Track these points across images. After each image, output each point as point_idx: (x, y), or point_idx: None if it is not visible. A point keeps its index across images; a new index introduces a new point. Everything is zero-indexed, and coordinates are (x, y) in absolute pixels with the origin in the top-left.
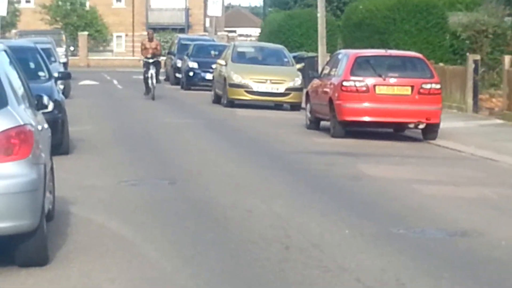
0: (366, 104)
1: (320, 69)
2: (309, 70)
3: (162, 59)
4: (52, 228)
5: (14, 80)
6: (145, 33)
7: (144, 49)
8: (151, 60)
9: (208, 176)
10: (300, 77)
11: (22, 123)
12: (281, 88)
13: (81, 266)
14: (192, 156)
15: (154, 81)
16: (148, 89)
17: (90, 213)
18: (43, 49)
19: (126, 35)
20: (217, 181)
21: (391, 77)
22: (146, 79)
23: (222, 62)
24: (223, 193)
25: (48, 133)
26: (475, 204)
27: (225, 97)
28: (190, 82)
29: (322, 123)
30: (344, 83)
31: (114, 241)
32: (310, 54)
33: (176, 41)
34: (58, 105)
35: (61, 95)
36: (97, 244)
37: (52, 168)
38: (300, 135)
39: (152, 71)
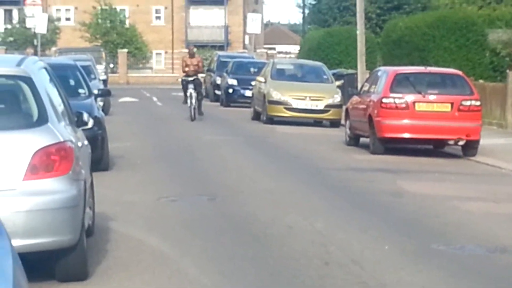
0: (405, 121)
1: (359, 86)
2: (349, 87)
3: (201, 76)
4: (92, 243)
5: (54, 97)
6: (185, 50)
7: (185, 66)
8: (190, 78)
9: (247, 192)
10: (339, 94)
11: (62, 139)
12: (320, 105)
13: (121, 282)
14: (231, 173)
15: (194, 101)
16: (189, 105)
17: (130, 229)
18: (82, 67)
19: (166, 52)
20: (256, 197)
21: (431, 94)
22: (186, 99)
23: (261, 79)
24: (262, 209)
25: (88, 150)
26: None
27: (265, 113)
28: (230, 99)
29: (362, 139)
30: (384, 100)
31: (153, 257)
32: (350, 71)
33: (215, 58)
34: (98, 122)
35: (100, 112)
36: (136, 260)
37: (92, 184)
38: (340, 151)
39: (191, 90)
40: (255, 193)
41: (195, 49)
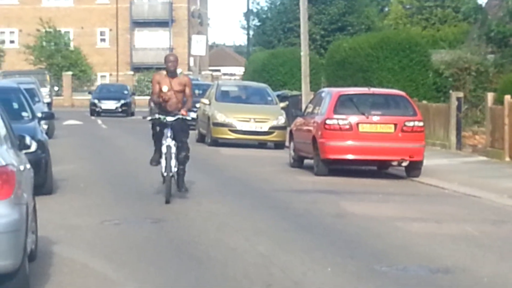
0: (349, 142)
1: (303, 108)
2: (293, 108)
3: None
4: (34, 268)
5: None
6: (130, 72)
7: (159, 91)
8: (169, 118)
9: (191, 215)
10: (284, 115)
11: (4, 163)
12: (264, 127)
13: None
14: (175, 196)
15: (173, 164)
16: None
17: (73, 253)
18: (26, 89)
19: (111, 74)
20: (200, 220)
21: (374, 115)
22: (160, 152)
23: (205, 101)
24: (206, 232)
25: (31, 173)
26: (457, 241)
27: (209, 136)
28: None
29: (306, 161)
30: (327, 122)
31: (97, 281)
32: (294, 92)
33: None
34: (41, 145)
35: (44, 135)
36: (80, 284)
37: (35, 208)
38: (284, 173)
39: (169, 141)
40: (199, 215)
41: (179, 70)
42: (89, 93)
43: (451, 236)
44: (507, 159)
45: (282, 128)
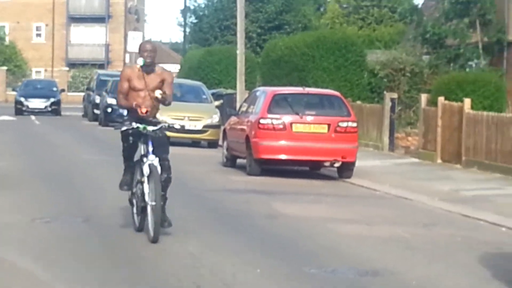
0: (282, 142)
1: (238, 106)
2: (227, 107)
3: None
4: None
5: None
6: (65, 68)
7: (131, 90)
8: (151, 128)
9: (122, 213)
10: (218, 114)
11: None
12: (198, 125)
13: None
14: (107, 194)
15: (148, 191)
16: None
17: (2, 251)
18: None
19: (46, 70)
20: (131, 218)
21: (308, 115)
22: (133, 172)
23: None
24: (137, 232)
25: None
26: (387, 243)
27: None
28: (108, 118)
29: (239, 161)
30: (261, 121)
31: (26, 280)
32: (229, 91)
33: (95, 77)
34: None
35: None
36: (8, 283)
37: None
38: (216, 173)
39: (152, 155)
40: (130, 214)
41: (141, 60)
42: (14, 90)
43: (382, 238)
44: (439, 161)
45: (216, 126)
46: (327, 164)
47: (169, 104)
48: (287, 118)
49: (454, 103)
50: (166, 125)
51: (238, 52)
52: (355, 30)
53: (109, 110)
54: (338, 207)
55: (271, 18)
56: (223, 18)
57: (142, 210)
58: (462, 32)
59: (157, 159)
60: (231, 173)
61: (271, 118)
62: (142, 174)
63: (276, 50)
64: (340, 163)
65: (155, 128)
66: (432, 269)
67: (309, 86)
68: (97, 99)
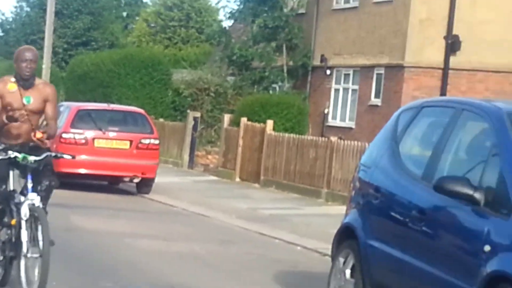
0: (83, 157)
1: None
2: None
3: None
4: None
5: None
6: None
7: (2, 109)
8: (33, 158)
9: None
10: None
11: None
12: None
13: None
14: None
15: (24, 237)
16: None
17: None
18: None
19: None
20: None
21: (111, 131)
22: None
23: None
24: None
25: None
26: (184, 259)
27: None
28: None
29: None
30: (64, 135)
31: None
32: None
33: None
34: None
35: None
36: None
37: None
38: None
39: (31, 193)
40: None
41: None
42: None
43: (179, 254)
44: (237, 179)
45: None
46: (126, 179)
47: (53, 136)
48: (90, 134)
49: (257, 124)
50: (52, 155)
51: (44, 66)
52: (161, 49)
53: None
54: (137, 222)
55: (78, 34)
56: (30, 32)
57: (10, 262)
58: (268, 55)
59: (38, 197)
60: None
61: (74, 133)
62: (12, 216)
63: (82, 66)
64: (139, 178)
65: (37, 158)
66: (227, 285)
67: (113, 102)
68: None
